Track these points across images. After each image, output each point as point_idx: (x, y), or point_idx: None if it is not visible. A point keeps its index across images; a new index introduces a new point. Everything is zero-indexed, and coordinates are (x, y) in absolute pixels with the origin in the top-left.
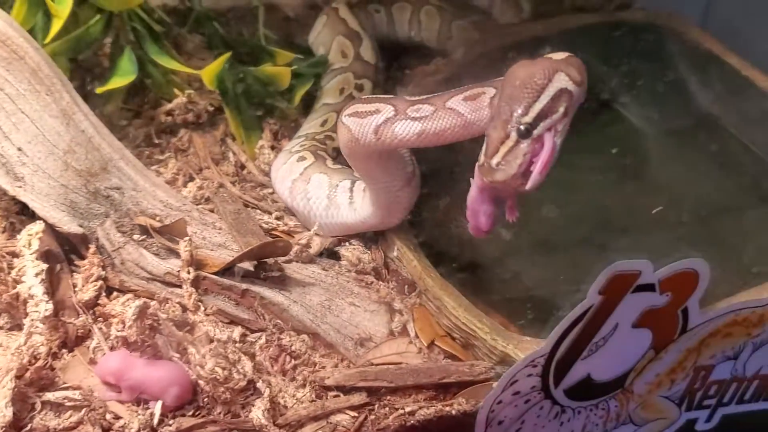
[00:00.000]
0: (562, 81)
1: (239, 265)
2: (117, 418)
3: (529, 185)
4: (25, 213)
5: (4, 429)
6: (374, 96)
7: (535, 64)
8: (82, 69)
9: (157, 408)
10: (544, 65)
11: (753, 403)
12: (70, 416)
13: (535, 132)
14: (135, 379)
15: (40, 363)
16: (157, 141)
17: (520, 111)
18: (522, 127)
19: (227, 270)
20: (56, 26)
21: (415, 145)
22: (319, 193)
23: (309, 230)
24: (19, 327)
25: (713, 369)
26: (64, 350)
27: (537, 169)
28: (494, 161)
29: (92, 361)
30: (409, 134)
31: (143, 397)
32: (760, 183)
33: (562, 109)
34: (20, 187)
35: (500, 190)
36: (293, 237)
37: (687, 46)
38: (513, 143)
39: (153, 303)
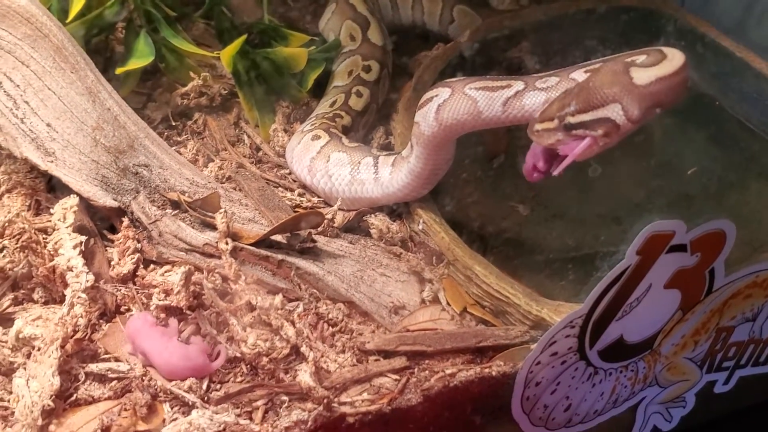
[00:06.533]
0: (613, 112)
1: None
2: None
3: (554, 172)
4: (51, 191)
5: (52, 397)
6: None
7: (612, 82)
8: (95, 53)
9: None
10: (613, 89)
11: (767, 365)
12: (116, 385)
13: (573, 132)
14: (142, 349)
15: (79, 334)
16: (174, 123)
17: (572, 108)
18: (565, 122)
19: (260, 242)
20: (77, 6)
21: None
22: (341, 170)
23: (331, 205)
24: (54, 300)
25: (733, 330)
26: (102, 321)
27: (563, 163)
28: (536, 126)
29: None
30: (535, 106)
31: None
32: (758, 158)
33: (601, 131)
34: (52, 161)
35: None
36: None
37: (682, 30)
38: (554, 126)
39: (195, 273)
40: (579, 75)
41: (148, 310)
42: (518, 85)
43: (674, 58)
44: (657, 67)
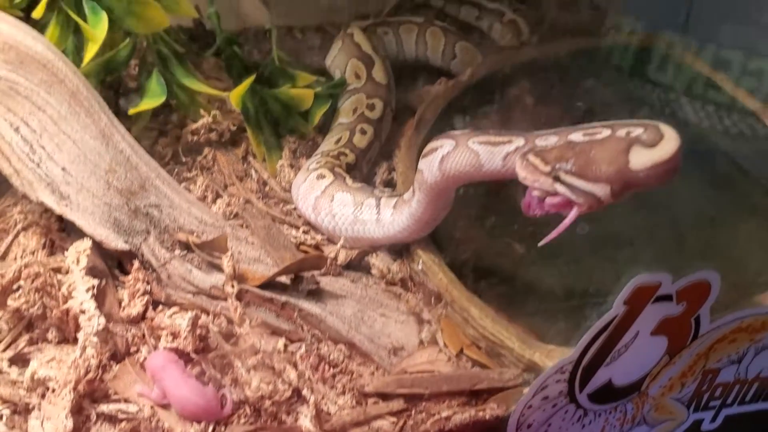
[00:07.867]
0: (602, 191)
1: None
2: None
3: (540, 244)
4: (64, 230)
5: None
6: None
7: (611, 162)
8: (108, 89)
9: None
10: (609, 170)
11: (753, 403)
12: (125, 426)
13: (557, 186)
14: (162, 384)
15: (91, 375)
16: (184, 159)
17: (568, 167)
18: (556, 174)
19: (265, 284)
20: (92, 50)
21: None
22: (344, 210)
23: (335, 243)
24: (67, 341)
25: (719, 372)
26: (112, 362)
27: (551, 235)
28: (529, 157)
29: (142, 367)
30: None
31: None
32: (750, 197)
33: (583, 201)
34: (66, 205)
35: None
36: (322, 250)
37: (680, 68)
38: (544, 170)
39: (202, 316)
40: (577, 137)
41: (166, 349)
42: (518, 141)
43: (670, 140)
44: (654, 150)
